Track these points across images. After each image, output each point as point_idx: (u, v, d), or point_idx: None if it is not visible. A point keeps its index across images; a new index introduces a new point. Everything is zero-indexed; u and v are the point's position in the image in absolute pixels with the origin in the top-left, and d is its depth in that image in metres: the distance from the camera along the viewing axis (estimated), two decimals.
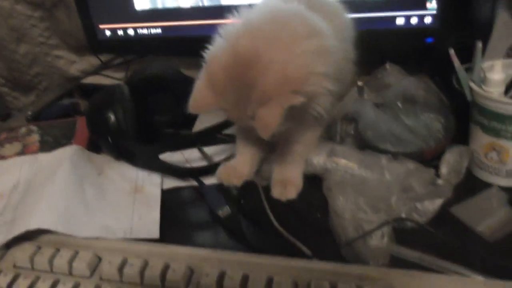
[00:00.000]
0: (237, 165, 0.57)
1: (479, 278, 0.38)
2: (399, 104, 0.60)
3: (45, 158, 0.60)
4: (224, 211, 0.51)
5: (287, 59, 0.43)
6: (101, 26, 0.78)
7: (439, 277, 0.39)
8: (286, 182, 0.54)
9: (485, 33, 0.59)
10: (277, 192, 0.54)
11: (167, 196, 0.57)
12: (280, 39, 0.44)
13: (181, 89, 0.70)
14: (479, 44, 0.49)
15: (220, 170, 0.57)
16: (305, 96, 0.43)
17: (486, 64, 0.51)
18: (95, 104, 0.63)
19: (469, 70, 0.51)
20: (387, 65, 0.66)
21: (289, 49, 0.44)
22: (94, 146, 0.64)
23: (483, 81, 0.50)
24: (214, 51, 0.47)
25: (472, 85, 0.50)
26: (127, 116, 0.60)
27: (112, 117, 0.59)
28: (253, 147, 0.56)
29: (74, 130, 0.66)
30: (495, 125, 0.48)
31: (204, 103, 0.47)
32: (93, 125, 0.62)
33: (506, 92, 0.50)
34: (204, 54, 0.47)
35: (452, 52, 0.51)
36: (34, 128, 0.68)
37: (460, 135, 0.55)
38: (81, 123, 0.67)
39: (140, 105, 0.65)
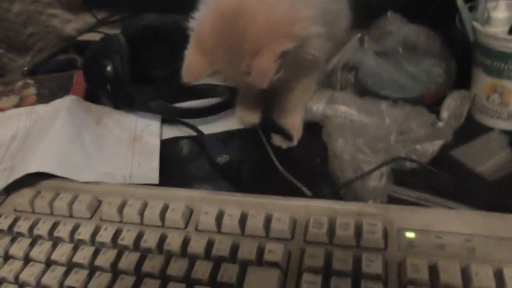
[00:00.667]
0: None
1: (478, 212, 0.38)
2: (400, 51, 0.58)
3: (42, 109, 0.60)
4: (223, 158, 0.51)
5: (271, 7, 0.43)
6: None
7: (438, 211, 0.39)
8: (287, 129, 0.54)
9: None
10: (278, 139, 0.54)
11: (166, 145, 0.56)
12: None
13: (179, 40, 0.70)
14: None
15: (238, 110, 0.57)
16: (296, 41, 0.43)
17: (490, 4, 0.49)
18: (92, 54, 0.62)
19: (472, 9, 0.49)
20: (389, 14, 0.64)
21: None
22: (91, 98, 0.63)
23: (487, 20, 0.48)
24: (198, 17, 0.47)
25: (476, 24, 0.48)
26: (125, 63, 0.59)
27: (109, 64, 0.58)
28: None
29: (71, 83, 0.66)
30: (498, 65, 0.47)
31: (197, 70, 0.47)
32: (91, 75, 0.62)
33: (511, 32, 0.49)
34: (189, 23, 0.47)
35: None
36: (30, 81, 0.67)
37: (462, 80, 0.55)
38: (78, 76, 0.66)
39: (137, 56, 0.64)
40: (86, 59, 0.63)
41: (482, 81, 0.50)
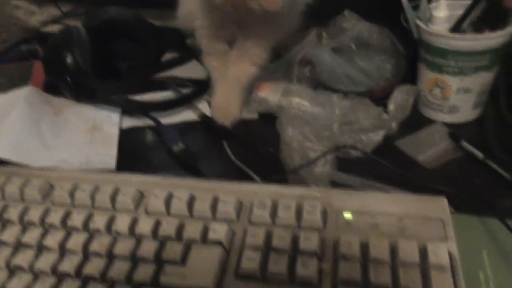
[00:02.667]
0: (229, 103, 0.58)
1: (412, 195, 0.41)
2: (353, 46, 0.61)
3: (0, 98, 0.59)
4: (179, 147, 0.53)
5: None
6: None
7: (375, 195, 0.41)
8: (226, 108, 0.57)
9: None
10: (217, 116, 0.57)
11: (125, 135, 0.57)
12: None
13: (142, 34, 0.71)
14: None
15: (214, 110, 0.58)
16: None
17: (432, 3, 0.52)
18: (52, 45, 0.62)
19: (416, 8, 0.53)
20: (346, 12, 0.67)
21: None
22: (51, 89, 0.64)
23: (429, 19, 0.51)
24: None
25: (418, 22, 0.51)
26: (86, 55, 0.60)
27: (69, 56, 0.59)
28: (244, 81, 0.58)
29: (31, 73, 0.66)
30: (438, 61, 0.50)
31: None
32: (50, 66, 0.62)
33: (453, 31, 0.52)
34: None
35: None
36: None
37: (411, 77, 0.58)
38: (38, 67, 0.66)
39: (100, 48, 0.64)
40: (46, 50, 0.64)
41: (425, 76, 0.53)
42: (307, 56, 0.63)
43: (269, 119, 0.57)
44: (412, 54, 0.58)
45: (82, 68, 0.60)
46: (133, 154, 0.55)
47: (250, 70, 0.59)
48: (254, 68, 0.59)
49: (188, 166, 0.51)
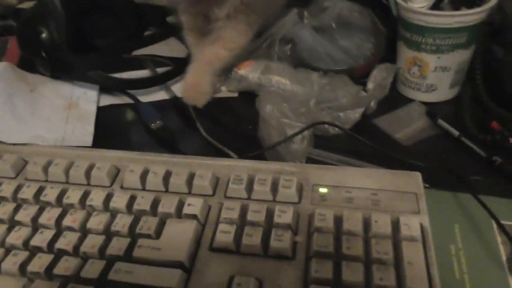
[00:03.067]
0: (201, 84, 0.57)
1: (387, 170, 0.41)
2: (333, 25, 0.61)
3: None
4: (157, 124, 0.52)
5: None
6: None
7: (351, 170, 0.41)
8: (196, 89, 0.56)
9: None
10: (187, 97, 0.56)
11: (103, 112, 0.57)
12: None
13: (122, 10, 0.69)
14: None
15: (185, 90, 0.57)
16: None
17: None
18: (26, 19, 0.60)
19: None
20: None
21: None
22: (26, 66, 0.62)
23: None
24: None
25: None
26: (62, 30, 0.58)
27: (45, 30, 0.57)
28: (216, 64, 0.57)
29: (5, 49, 0.64)
30: (416, 38, 0.50)
31: None
32: (25, 41, 0.60)
33: (432, 8, 0.52)
34: None
35: None
36: None
37: (391, 56, 0.58)
38: (12, 42, 0.65)
39: (75, 23, 0.62)
40: (20, 25, 0.62)
41: (404, 54, 0.53)
42: (288, 35, 0.62)
43: (249, 97, 0.56)
44: (392, 33, 0.58)
45: (58, 43, 0.58)
46: (110, 132, 0.54)
47: (223, 54, 0.57)
48: (227, 52, 0.57)
49: (166, 143, 0.50)
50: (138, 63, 0.65)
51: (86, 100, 0.57)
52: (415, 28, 0.50)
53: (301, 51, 0.60)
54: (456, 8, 0.50)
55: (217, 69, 0.58)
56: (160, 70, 0.64)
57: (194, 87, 0.57)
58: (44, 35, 0.58)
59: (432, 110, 0.52)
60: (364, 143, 0.46)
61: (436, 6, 0.52)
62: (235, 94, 0.59)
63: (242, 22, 0.57)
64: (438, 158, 0.47)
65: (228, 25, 0.57)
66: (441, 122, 0.50)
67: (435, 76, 0.52)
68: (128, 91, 0.59)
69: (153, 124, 0.52)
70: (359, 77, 0.57)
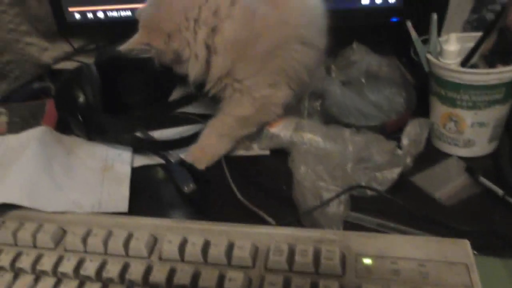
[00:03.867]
0: (206, 147, 0.58)
1: (432, 237, 0.40)
2: (363, 80, 0.61)
3: (13, 139, 0.60)
4: (190, 187, 0.52)
5: None
6: (70, 9, 0.77)
7: (394, 238, 0.40)
8: (201, 152, 0.57)
9: (444, 7, 0.60)
10: (189, 157, 0.56)
11: (136, 173, 0.57)
12: None
13: (151, 69, 0.71)
14: (434, 17, 0.50)
15: (190, 151, 0.58)
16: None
17: (442, 37, 0.52)
18: (64, 83, 0.63)
19: (426, 42, 0.52)
20: (354, 45, 0.67)
21: None
22: (63, 127, 0.64)
23: (439, 53, 0.51)
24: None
25: (429, 56, 0.51)
26: (96, 93, 0.60)
27: (81, 94, 0.59)
28: (222, 129, 0.58)
29: (43, 112, 0.66)
30: (451, 95, 0.50)
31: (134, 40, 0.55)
32: (62, 104, 0.62)
33: (463, 64, 0.52)
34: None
35: (409, 24, 0.52)
36: (2, 109, 0.68)
37: (422, 108, 0.57)
38: (50, 105, 0.67)
39: (109, 84, 0.65)
40: (58, 89, 0.64)
41: (438, 110, 0.53)
42: (317, 90, 0.63)
43: (281, 154, 0.56)
44: (421, 84, 0.58)
45: (93, 107, 0.60)
46: (145, 195, 0.54)
47: (229, 121, 0.57)
48: (232, 119, 0.57)
49: (200, 208, 0.50)
50: (170, 122, 0.66)
51: (121, 161, 0.58)
52: (449, 85, 0.50)
53: (331, 107, 0.61)
54: (490, 63, 0.50)
55: (224, 134, 0.57)
56: (192, 128, 0.64)
57: (199, 148, 0.57)
58: (80, 98, 0.60)
59: (471, 165, 0.51)
60: (401, 204, 0.45)
61: (467, 61, 0.51)
62: (267, 152, 0.59)
63: (246, 95, 0.57)
64: (482, 220, 0.45)
65: (235, 95, 0.57)
66: (482, 180, 0.48)
67: (473, 131, 0.51)
68: (161, 151, 0.59)
69: (186, 188, 0.52)
70: (392, 132, 0.56)
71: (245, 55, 0.53)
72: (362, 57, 0.65)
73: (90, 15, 0.77)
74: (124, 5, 0.75)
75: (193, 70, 0.55)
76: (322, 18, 0.57)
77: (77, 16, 0.78)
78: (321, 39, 0.57)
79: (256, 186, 0.53)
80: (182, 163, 0.56)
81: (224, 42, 0.52)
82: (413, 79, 0.63)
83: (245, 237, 0.40)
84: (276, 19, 0.53)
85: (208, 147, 0.57)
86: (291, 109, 0.61)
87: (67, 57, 0.94)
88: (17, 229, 0.44)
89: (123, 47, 0.57)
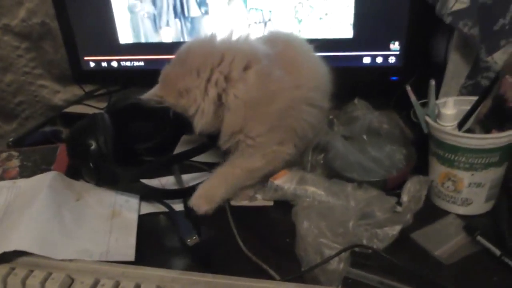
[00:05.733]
0: (209, 192, 0.59)
1: None
2: (365, 137, 0.64)
3: (24, 183, 0.61)
4: (193, 240, 0.52)
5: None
6: (86, 58, 0.81)
7: None
8: (205, 197, 0.58)
9: (441, 72, 0.64)
10: (193, 201, 0.57)
11: (143, 220, 0.58)
12: None
13: (160, 118, 0.74)
14: (432, 82, 0.53)
15: (194, 195, 0.59)
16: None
17: (440, 100, 0.55)
18: (77, 131, 0.65)
19: (425, 105, 0.55)
20: (356, 100, 0.71)
21: None
22: (73, 173, 0.66)
23: (438, 116, 0.54)
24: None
25: (428, 119, 0.54)
26: (108, 142, 0.63)
27: (93, 143, 0.62)
28: (228, 179, 0.60)
29: (55, 156, 0.68)
30: (449, 156, 0.52)
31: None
32: (74, 151, 0.64)
33: (460, 126, 0.54)
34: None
35: (408, 88, 0.55)
36: (14, 153, 0.70)
37: (421, 165, 0.59)
38: (61, 150, 0.69)
39: (120, 132, 0.67)
40: (71, 135, 0.66)
41: (437, 169, 0.55)
42: (321, 143, 0.65)
43: (284, 205, 0.58)
44: (420, 140, 0.60)
45: (104, 155, 0.63)
46: (150, 243, 0.55)
47: (237, 173, 0.59)
48: (241, 172, 0.59)
49: (202, 261, 0.50)
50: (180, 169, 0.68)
51: (128, 208, 0.60)
52: (447, 147, 0.52)
53: (333, 160, 0.63)
54: (486, 127, 0.52)
55: (229, 184, 0.59)
56: (198, 175, 0.67)
57: (203, 195, 0.58)
58: (93, 147, 0.62)
59: (469, 224, 0.53)
60: (404, 262, 0.46)
61: (463, 124, 0.54)
62: (271, 203, 0.61)
63: (258, 150, 0.59)
64: (481, 280, 0.46)
65: (247, 150, 0.59)
66: (480, 239, 0.50)
67: (470, 191, 0.53)
68: (166, 200, 0.61)
69: (189, 240, 0.52)
70: (392, 188, 0.58)
71: (258, 114, 0.56)
72: (363, 113, 0.68)
73: (104, 64, 0.81)
74: (137, 56, 0.79)
75: (198, 124, 0.58)
76: (328, 82, 0.61)
77: (92, 64, 0.82)
78: (326, 101, 0.61)
79: (260, 237, 0.55)
80: (186, 213, 0.57)
81: (237, 101, 0.56)
82: (412, 134, 0.66)
83: None
84: (290, 82, 0.57)
85: (209, 194, 0.59)
86: (295, 162, 0.64)
87: (78, 100, 0.97)
88: (26, 276, 0.45)
89: (143, 96, 0.61)
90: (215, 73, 0.56)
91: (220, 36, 0.59)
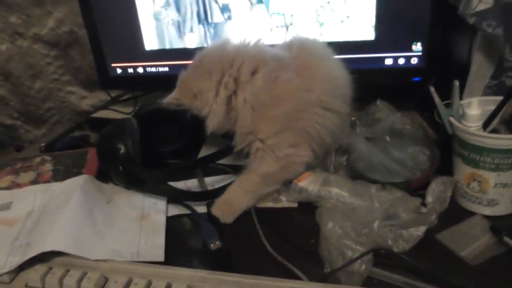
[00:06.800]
0: (231, 201, 0.60)
1: None
2: (387, 138, 0.64)
3: (57, 186, 0.64)
4: (216, 245, 0.53)
5: None
6: (113, 65, 0.84)
7: None
8: (227, 206, 0.59)
9: (464, 72, 0.64)
10: (215, 211, 0.59)
11: (171, 222, 0.60)
12: None
13: (184, 121, 0.76)
14: (456, 83, 0.53)
15: (216, 203, 0.60)
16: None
17: (464, 101, 0.55)
18: (106, 136, 0.68)
19: (449, 106, 0.55)
20: (378, 102, 0.71)
21: None
22: (103, 176, 0.68)
23: (462, 116, 0.54)
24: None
25: (452, 119, 0.54)
26: (136, 145, 0.65)
27: (122, 147, 0.64)
28: (247, 186, 0.61)
29: (85, 160, 0.71)
30: (474, 156, 0.52)
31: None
32: (104, 155, 0.67)
33: (485, 126, 0.54)
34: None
35: (432, 89, 0.56)
36: (47, 158, 0.73)
37: (445, 166, 0.59)
38: (91, 154, 0.72)
39: (147, 136, 0.69)
40: (101, 140, 0.69)
41: (462, 170, 0.55)
42: (343, 145, 0.66)
43: (308, 207, 0.59)
44: (444, 141, 0.60)
45: (133, 158, 0.65)
46: (179, 243, 0.57)
47: (255, 179, 0.60)
48: (259, 178, 0.60)
49: (224, 266, 0.50)
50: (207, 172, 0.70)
51: (156, 210, 0.62)
52: (472, 147, 0.52)
53: (356, 162, 0.63)
54: (511, 127, 0.52)
55: (248, 191, 0.60)
56: (223, 178, 0.68)
57: (225, 203, 0.60)
58: (122, 151, 0.64)
59: (495, 224, 0.52)
60: (429, 263, 0.47)
61: (488, 124, 0.54)
62: (295, 205, 0.62)
63: (269, 153, 0.60)
64: (507, 280, 0.46)
65: (258, 152, 0.60)
66: (507, 239, 0.49)
67: (496, 191, 0.53)
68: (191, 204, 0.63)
69: (212, 245, 0.53)
70: (416, 189, 0.58)
71: (266, 116, 0.58)
72: (385, 114, 0.69)
73: (130, 70, 0.83)
74: (162, 61, 0.81)
75: (210, 124, 0.61)
76: (346, 86, 0.62)
77: (119, 71, 0.84)
78: (344, 105, 0.62)
79: (284, 238, 0.56)
80: (210, 218, 0.59)
81: (245, 103, 0.58)
82: (435, 134, 0.66)
83: None
84: (298, 85, 0.58)
85: (232, 202, 0.60)
86: (318, 164, 0.65)
87: (104, 106, 1.00)
88: (63, 276, 0.47)
89: (164, 101, 0.64)
90: (226, 76, 0.59)
91: (233, 42, 0.62)
